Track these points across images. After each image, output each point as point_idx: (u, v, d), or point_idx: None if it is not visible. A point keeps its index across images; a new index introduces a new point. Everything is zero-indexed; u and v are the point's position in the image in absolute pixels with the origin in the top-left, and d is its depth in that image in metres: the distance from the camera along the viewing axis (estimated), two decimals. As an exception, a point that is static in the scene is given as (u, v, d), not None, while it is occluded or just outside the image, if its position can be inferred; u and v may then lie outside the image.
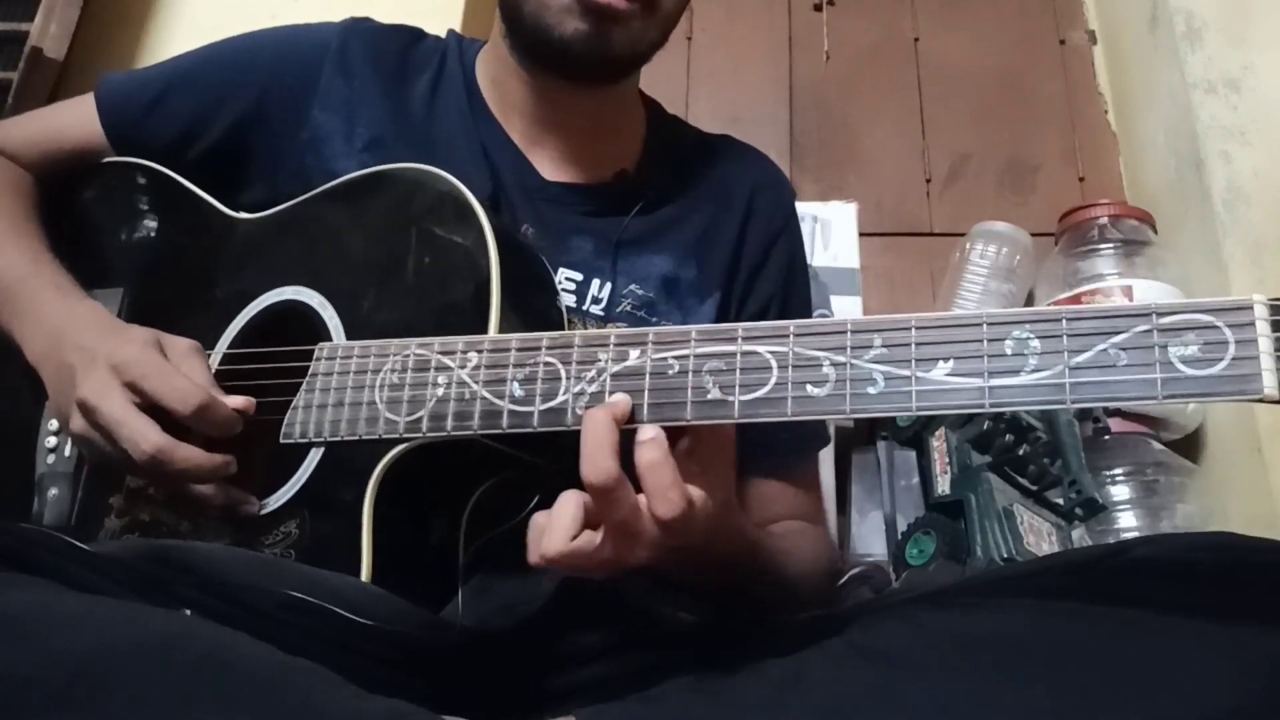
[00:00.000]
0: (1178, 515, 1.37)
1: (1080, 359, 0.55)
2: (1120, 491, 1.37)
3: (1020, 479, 1.22)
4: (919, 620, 0.61)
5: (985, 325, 0.57)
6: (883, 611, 0.64)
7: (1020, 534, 1.13)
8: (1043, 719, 0.53)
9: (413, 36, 0.97)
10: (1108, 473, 1.37)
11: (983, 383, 0.56)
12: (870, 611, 0.65)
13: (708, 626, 0.79)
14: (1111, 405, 0.60)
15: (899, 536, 1.22)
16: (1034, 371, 0.55)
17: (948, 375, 0.57)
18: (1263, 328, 0.52)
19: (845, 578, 1.19)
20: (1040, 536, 1.16)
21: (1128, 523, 1.36)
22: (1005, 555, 1.09)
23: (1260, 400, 0.52)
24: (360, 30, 0.94)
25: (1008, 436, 1.19)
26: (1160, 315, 0.54)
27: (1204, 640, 0.54)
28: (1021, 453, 1.19)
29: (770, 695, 0.59)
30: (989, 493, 1.15)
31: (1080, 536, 1.24)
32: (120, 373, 0.71)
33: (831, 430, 1.38)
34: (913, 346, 0.58)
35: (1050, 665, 0.55)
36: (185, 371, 0.72)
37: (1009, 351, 0.56)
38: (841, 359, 0.59)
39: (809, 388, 0.59)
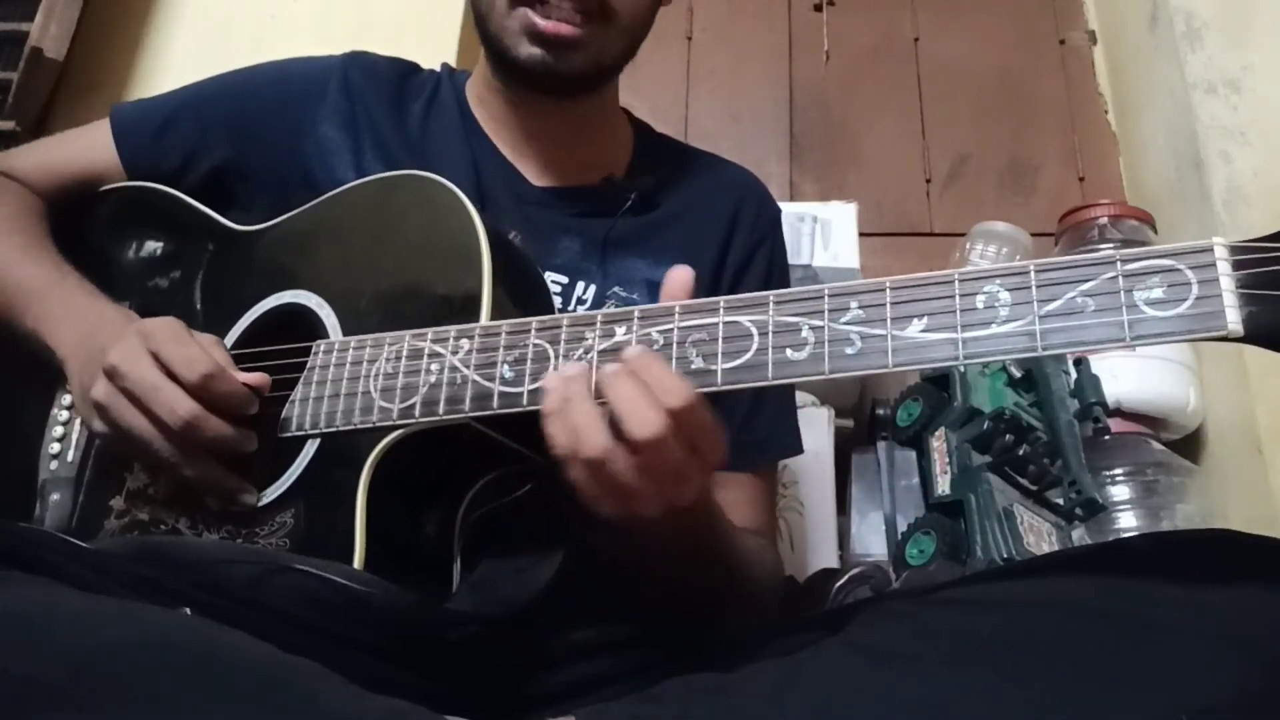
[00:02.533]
0: (1178, 515, 1.37)
1: (1050, 308, 0.57)
2: (1120, 491, 1.37)
3: (1020, 479, 1.21)
4: (918, 619, 0.61)
5: (957, 282, 0.59)
6: (882, 611, 0.64)
7: (1020, 534, 1.13)
8: (1042, 717, 0.54)
9: (409, 68, 1.01)
10: (1108, 473, 1.37)
11: (956, 335, 0.58)
12: (870, 611, 0.65)
13: (707, 626, 0.79)
14: (1082, 350, 0.62)
15: (899, 536, 1.22)
16: (1006, 323, 0.57)
17: (922, 332, 0.59)
18: (1224, 268, 0.54)
19: (845, 578, 1.19)
20: (1040, 536, 1.16)
21: (1128, 523, 1.36)
22: (1005, 555, 1.09)
23: (1224, 338, 0.53)
24: (361, 60, 0.98)
25: (1008, 436, 1.19)
26: (1125, 262, 0.56)
27: (1202, 637, 0.54)
28: (1021, 453, 1.19)
29: (770, 695, 0.59)
30: (989, 493, 1.15)
31: (1080, 536, 1.24)
32: (145, 339, 0.73)
33: (831, 431, 1.39)
34: (888, 306, 0.60)
35: (1049, 663, 0.55)
36: (204, 347, 0.74)
37: (981, 305, 0.58)
38: (819, 323, 0.61)
39: (789, 351, 0.61)
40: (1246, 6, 1.63)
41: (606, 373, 0.62)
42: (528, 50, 0.84)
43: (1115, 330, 0.55)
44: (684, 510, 0.66)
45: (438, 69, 1.03)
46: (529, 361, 0.67)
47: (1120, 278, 0.56)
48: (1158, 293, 0.55)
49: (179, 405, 0.71)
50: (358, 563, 0.67)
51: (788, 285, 1.03)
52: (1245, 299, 0.53)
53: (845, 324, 0.60)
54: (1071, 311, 0.56)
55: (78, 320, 0.81)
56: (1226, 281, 0.53)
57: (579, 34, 0.84)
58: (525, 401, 0.66)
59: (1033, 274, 0.57)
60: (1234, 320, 0.53)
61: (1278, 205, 1.47)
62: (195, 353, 0.72)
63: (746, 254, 0.98)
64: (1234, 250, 0.54)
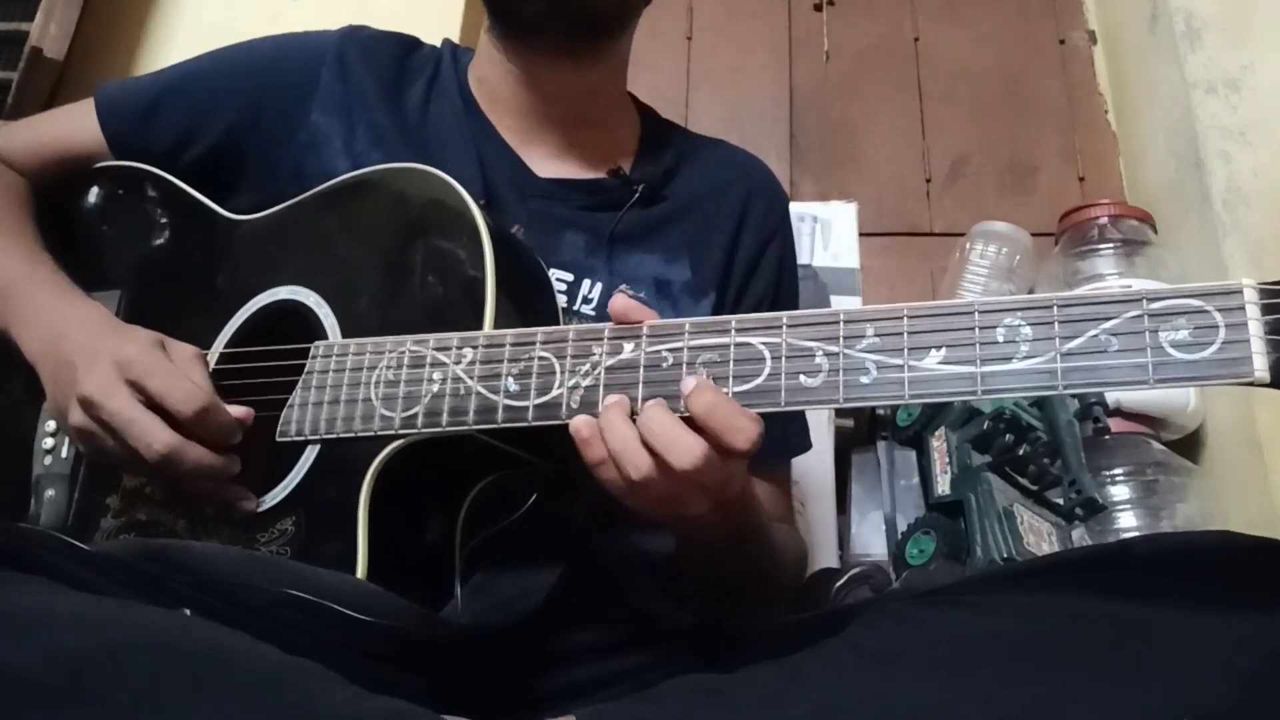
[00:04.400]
0: (1178, 515, 1.37)
1: (1072, 345, 0.55)
2: (1120, 491, 1.37)
3: (1020, 479, 1.21)
4: (919, 620, 0.61)
5: (977, 313, 0.58)
6: (883, 611, 0.64)
7: (1020, 534, 1.13)
8: (1043, 718, 0.53)
9: (409, 44, 0.98)
10: (1108, 473, 1.37)
11: (975, 370, 0.57)
12: (870, 611, 0.65)
13: (708, 626, 0.79)
14: (1104, 390, 0.61)
15: (899, 536, 1.22)
16: (1026, 358, 0.56)
17: (940, 363, 0.58)
18: (1252, 311, 0.52)
19: (845, 578, 1.19)
20: (1040, 536, 1.16)
21: (1128, 523, 1.36)
22: (1005, 555, 1.09)
23: (1250, 384, 0.52)
24: (358, 37, 0.95)
25: (1008, 436, 1.19)
26: (1151, 301, 0.55)
27: (1203, 638, 0.54)
28: (1021, 453, 1.19)
29: (770, 695, 0.59)
30: (989, 493, 1.15)
31: (1080, 536, 1.24)
32: (124, 370, 0.71)
33: (831, 431, 1.39)
34: (905, 336, 0.59)
35: (1049, 664, 0.55)
36: (187, 374, 0.72)
37: (1001, 339, 0.57)
38: (834, 349, 0.60)
39: (802, 378, 0.60)
40: (1246, 6, 1.63)
41: (644, 407, 0.62)
42: None
43: (1138, 372, 0.54)
44: (730, 501, 0.66)
45: (439, 45, 1.00)
46: (534, 375, 0.66)
47: (1146, 317, 0.54)
48: (1183, 334, 0.53)
49: (155, 440, 0.70)
50: (360, 572, 0.67)
51: (795, 279, 1.03)
52: (1274, 345, 0.52)
53: (861, 351, 0.59)
54: (1094, 350, 0.55)
55: (43, 323, 0.79)
56: (1255, 326, 0.52)
57: None
58: (530, 416, 0.65)
59: (1055, 309, 0.56)
60: (1261, 367, 0.52)
61: (1278, 205, 1.47)
62: (187, 386, 0.71)
63: (757, 250, 0.96)
64: (1264, 293, 0.52)
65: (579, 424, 0.63)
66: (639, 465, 0.61)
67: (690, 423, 0.61)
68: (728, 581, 0.82)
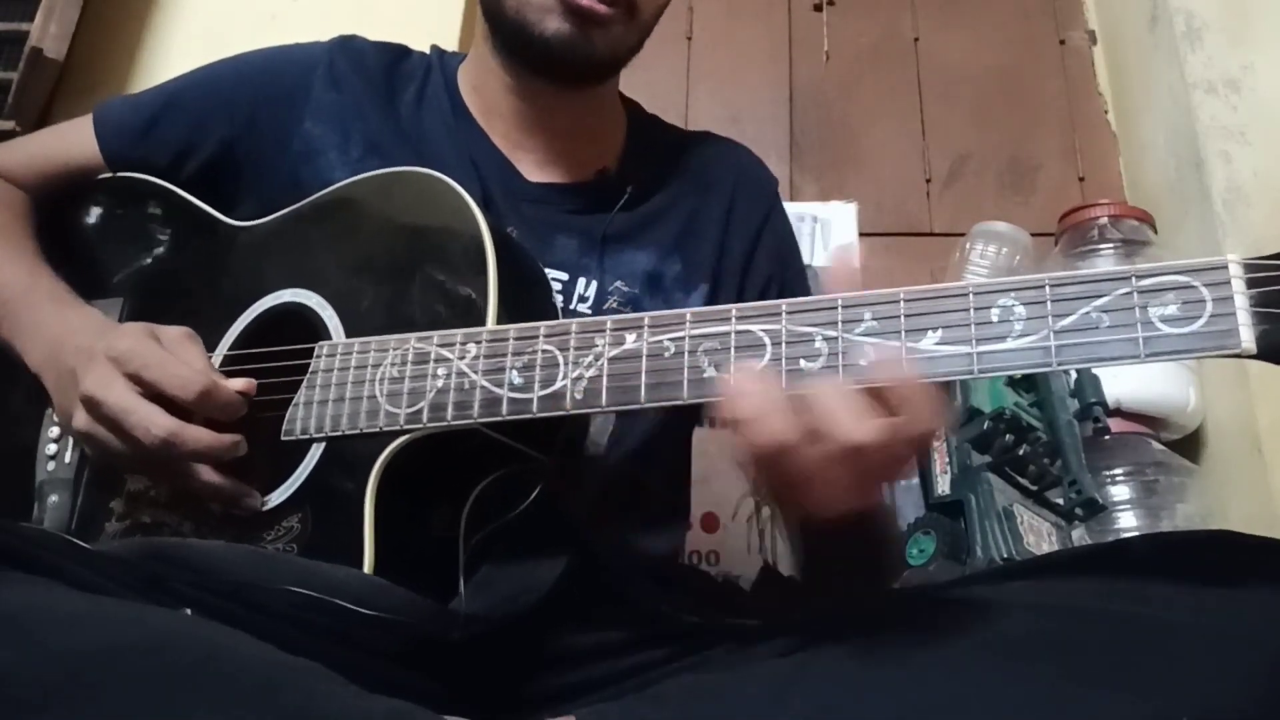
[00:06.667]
0: (1178, 515, 1.37)
1: (1064, 323, 0.57)
2: (1120, 491, 1.37)
3: (1020, 479, 1.22)
4: (919, 619, 0.61)
5: (972, 295, 0.59)
6: (882, 611, 0.64)
7: (1020, 534, 1.13)
8: (1042, 717, 0.54)
9: (398, 53, 0.99)
10: (1108, 473, 1.38)
11: (970, 349, 0.58)
12: (870, 611, 0.65)
13: (708, 627, 0.79)
14: (1096, 366, 0.62)
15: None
16: (1020, 336, 0.57)
17: (937, 344, 0.59)
18: (1238, 285, 0.54)
19: (845, 578, 1.19)
20: (1040, 536, 1.16)
21: (1128, 523, 1.36)
22: (1005, 555, 1.10)
23: (1238, 355, 0.53)
24: (349, 47, 0.96)
25: (1008, 436, 1.19)
26: (1140, 278, 0.56)
27: (1203, 638, 0.54)
28: (1021, 453, 1.19)
29: (770, 695, 0.59)
30: (989, 493, 1.15)
31: (1080, 536, 1.24)
32: (120, 364, 0.72)
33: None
34: (902, 318, 0.60)
35: (1049, 664, 0.55)
36: (182, 358, 0.73)
37: (995, 319, 0.58)
38: (833, 333, 0.60)
39: (802, 363, 0.61)
40: (1246, 6, 1.63)
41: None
42: (556, 25, 0.82)
43: (1130, 347, 0.55)
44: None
45: (427, 51, 1.01)
46: (538, 368, 0.67)
47: (1135, 294, 0.55)
48: (1172, 309, 0.55)
49: (154, 425, 0.70)
50: (367, 567, 0.67)
51: (799, 254, 1.03)
52: (1259, 317, 0.53)
53: (859, 335, 0.60)
54: (1086, 327, 0.56)
55: (45, 334, 0.80)
56: (1240, 300, 0.53)
57: (608, 12, 0.83)
58: (535, 408, 0.66)
59: (1048, 288, 0.57)
60: (1247, 339, 0.53)
61: (1278, 205, 1.47)
62: (185, 371, 0.71)
63: (751, 237, 0.97)
64: (1248, 267, 0.54)
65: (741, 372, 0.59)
66: (778, 429, 0.56)
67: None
68: (844, 561, 0.80)
